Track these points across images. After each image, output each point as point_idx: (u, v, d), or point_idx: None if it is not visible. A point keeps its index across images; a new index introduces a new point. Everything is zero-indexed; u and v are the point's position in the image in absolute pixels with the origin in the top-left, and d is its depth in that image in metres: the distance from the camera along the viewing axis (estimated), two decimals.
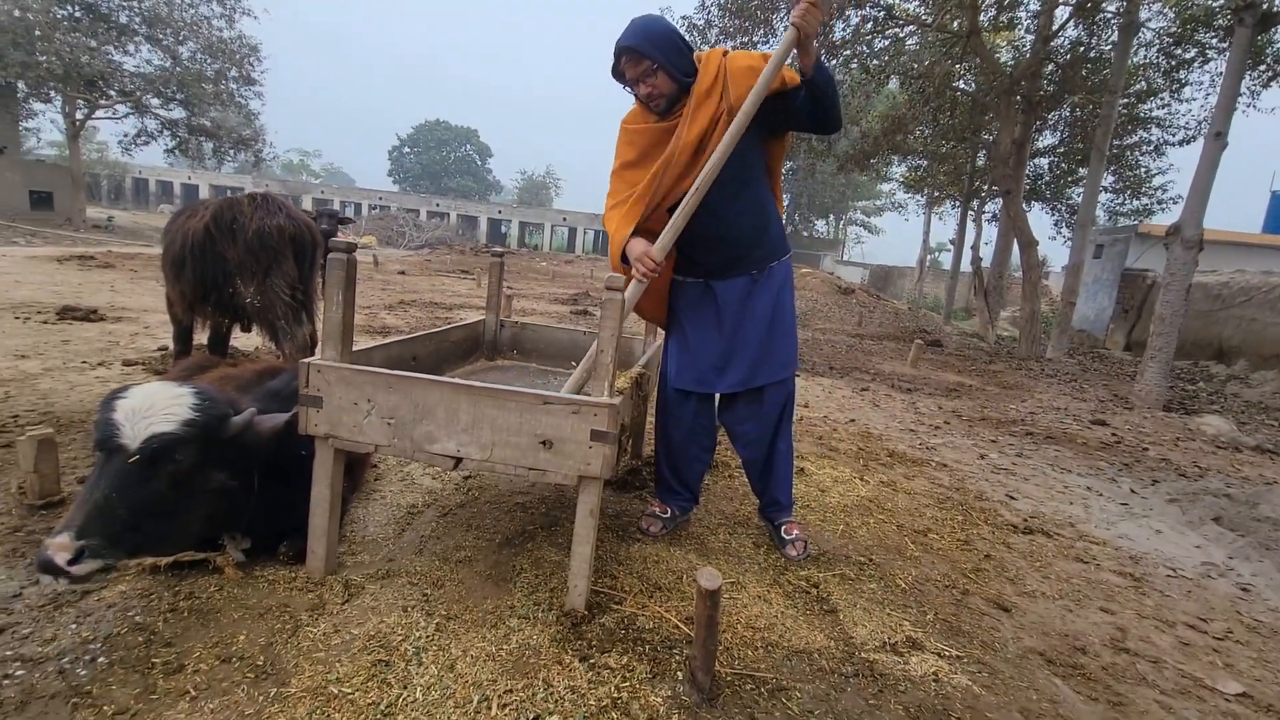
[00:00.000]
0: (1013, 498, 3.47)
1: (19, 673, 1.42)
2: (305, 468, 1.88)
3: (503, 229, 49.77)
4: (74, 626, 1.59)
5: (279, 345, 3.33)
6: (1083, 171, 14.64)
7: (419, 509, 2.48)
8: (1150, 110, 13.85)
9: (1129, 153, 15.30)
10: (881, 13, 11.73)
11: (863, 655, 1.80)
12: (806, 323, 12.50)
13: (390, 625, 1.70)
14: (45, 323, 5.22)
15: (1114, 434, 5.31)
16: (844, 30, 11.76)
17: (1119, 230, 16.50)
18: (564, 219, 49.65)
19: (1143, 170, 15.90)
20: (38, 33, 17.79)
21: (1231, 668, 2.04)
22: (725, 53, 2.08)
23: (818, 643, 1.84)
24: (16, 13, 17.62)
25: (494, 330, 3.18)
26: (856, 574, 2.28)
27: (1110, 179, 15.68)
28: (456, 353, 2.90)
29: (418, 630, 1.69)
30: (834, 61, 12.09)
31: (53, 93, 19.80)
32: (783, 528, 2.42)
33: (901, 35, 12.37)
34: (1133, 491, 3.85)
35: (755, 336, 2.25)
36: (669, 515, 2.44)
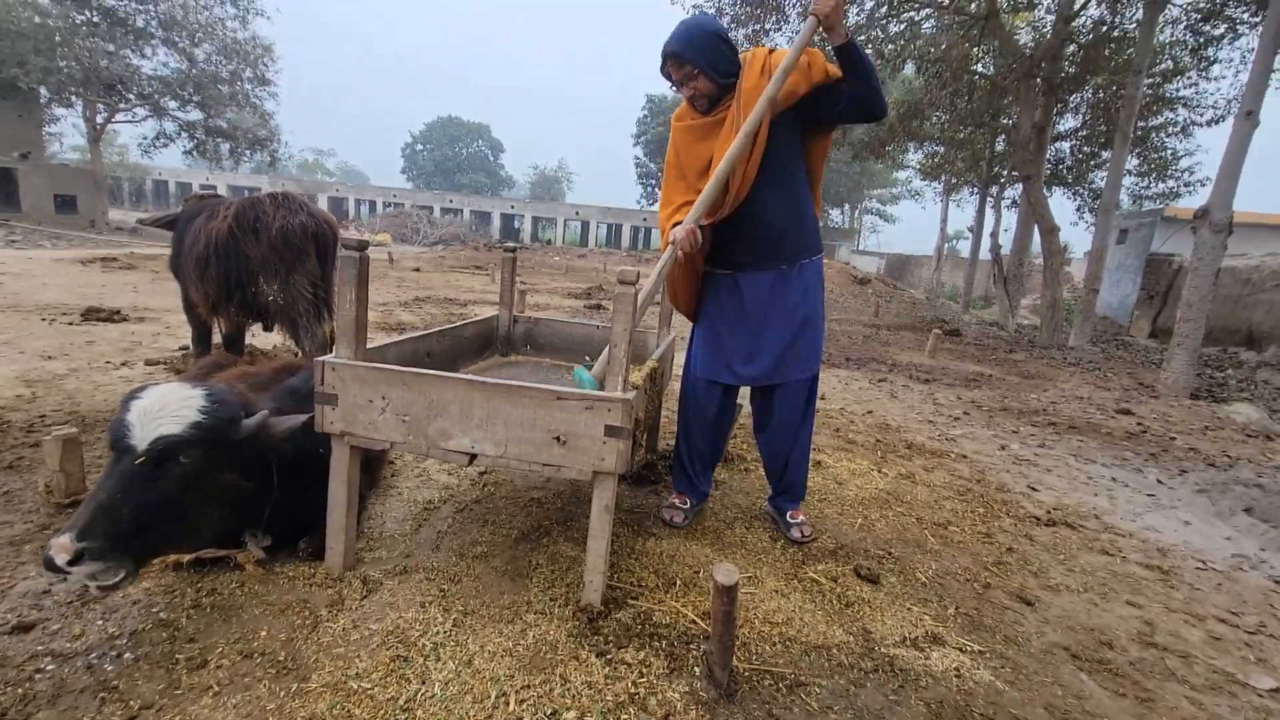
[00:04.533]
0: (1035, 489, 3.42)
1: (49, 667, 1.45)
2: (324, 465, 1.89)
3: (516, 224, 49.88)
4: (101, 622, 1.62)
5: (300, 343, 3.36)
6: (1106, 154, 14.33)
7: (435, 505, 2.49)
8: (1177, 90, 13.46)
9: (1155, 134, 14.89)
10: None
11: (882, 650, 1.78)
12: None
13: (408, 621, 1.71)
14: (70, 324, 5.33)
15: (1140, 423, 5.20)
16: (858, 14, 11.57)
17: (1144, 214, 16.14)
18: (576, 213, 49.61)
19: (1169, 152, 15.50)
20: (58, 38, 18.12)
21: (1264, 662, 1.99)
22: (770, 51, 2.12)
23: (836, 638, 1.82)
24: (37, 19, 17.95)
25: (507, 326, 3.18)
26: (875, 568, 2.25)
27: (1135, 161, 15.30)
28: (470, 349, 2.90)
29: (435, 626, 1.69)
30: None
31: (74, 97, 20.18)
32: (788, 513, 2.46)
33: (918, 18, 12.14)
34: (1160, 482, 3.76)
35: (782, 331, 2.26)
36: (689, 505, 2.48)
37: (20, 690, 1.37)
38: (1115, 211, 11.11)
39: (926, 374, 6.78)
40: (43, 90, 19.48)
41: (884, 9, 11.66)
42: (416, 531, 2.26)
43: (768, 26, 11.94)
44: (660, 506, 2.52)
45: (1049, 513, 3.05)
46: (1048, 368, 8.10)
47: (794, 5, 11.49)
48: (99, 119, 21.16)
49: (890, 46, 12.10)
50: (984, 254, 19.15)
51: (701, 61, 2.07)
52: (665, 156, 2.35)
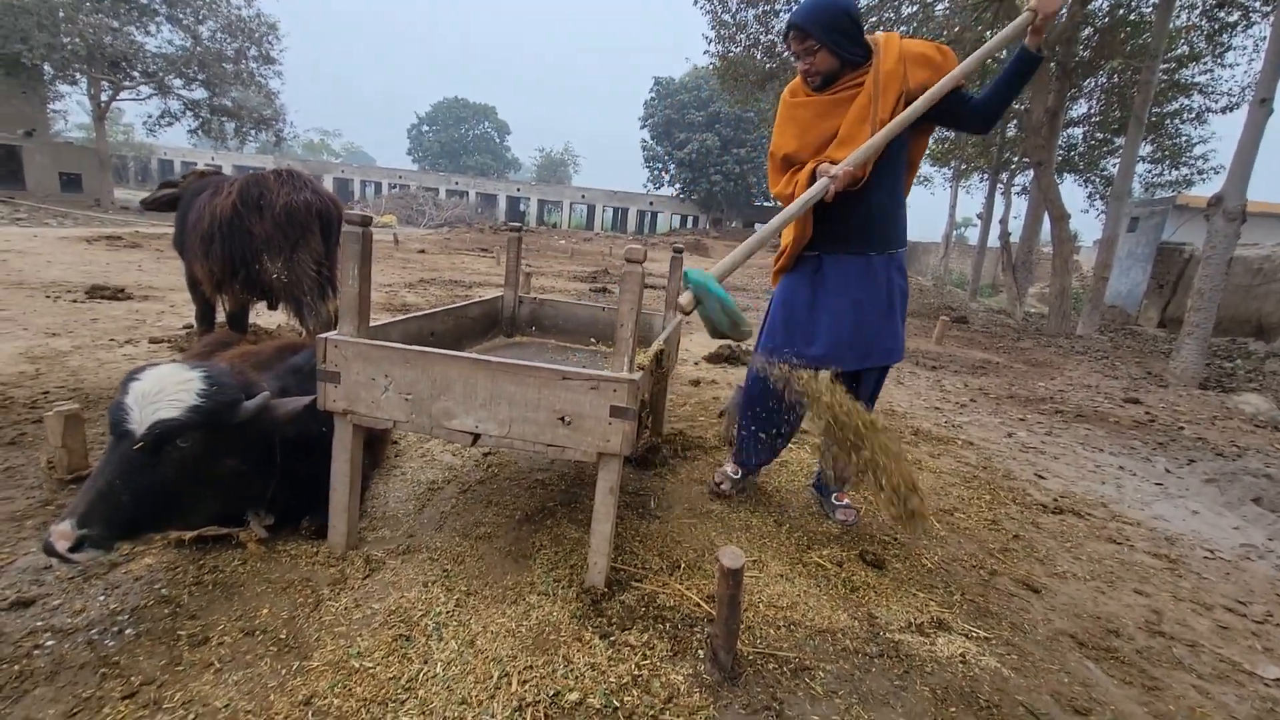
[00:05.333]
0: (1042, 477, 3.39)
1: (49, 643, 1.44)
2: (327, 444, 1.87)
3: (521, 207, 49.61)
4: (102, 598, 1.61)
5: (303, 322, 3.34)
6: (1119, 141, 14.12)
7: (439, 485, 2.48)
8: (1192, 76, 13.21)
9: (1169, 120, 14.66)
10: None
11: (888, 635, 1.76)
12: None
13: (411, 600, 1.70)
14: (75, 302, 5.32)
15: (1148, 412, 5.16)
16: None
17: (1155, 202, 15.93)
18: (582, 196, 49.32)
19: (1183, 139, 15.26)
20: (61, 14, 17.96)
21: (1271, 652, 1.97)
22: (901, 38, 2.13)
23: (841, 622, 1.80)
24: None
25: (513, 306, 3.15)
26: (881, 553, 2.23)
27: (1148, 148, 15.08)
28: (475, 329, 2.88)
29: (438, 605, 1.69)
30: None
31: (78, 74, 20.03)
32: (834, 494, 2.47)
33: (930, 1, 11.91)
34: (1168, 471, 3.73)
35: (866, 317, 2.23)
36: (739, 476, 2.55)
37: (18, 667, 1.36)
38: (1127, 199, 10.94)
39: (934, 361, 6.73)
40: (46, 67, 19.32)
41: None
42: (420, 511, 2.25)
43: (777, 7, 11.73)
44: (715, 472, 2.63)
45: (1056, 500, 3.03)
46: (1055, 356, 8.04)
47: None
48: (103, 96, 21.02)
49: (902, 28, 11.88)
50: (993, 241, 18.97)
51: (825, 37, 2.04)
52: (772, 136, 2.32)
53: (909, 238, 2.42)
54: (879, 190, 2.16)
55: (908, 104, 2.04)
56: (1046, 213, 11.52)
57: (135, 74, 20.46)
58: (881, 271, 2.24)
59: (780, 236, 2.28)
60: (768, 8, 11.69)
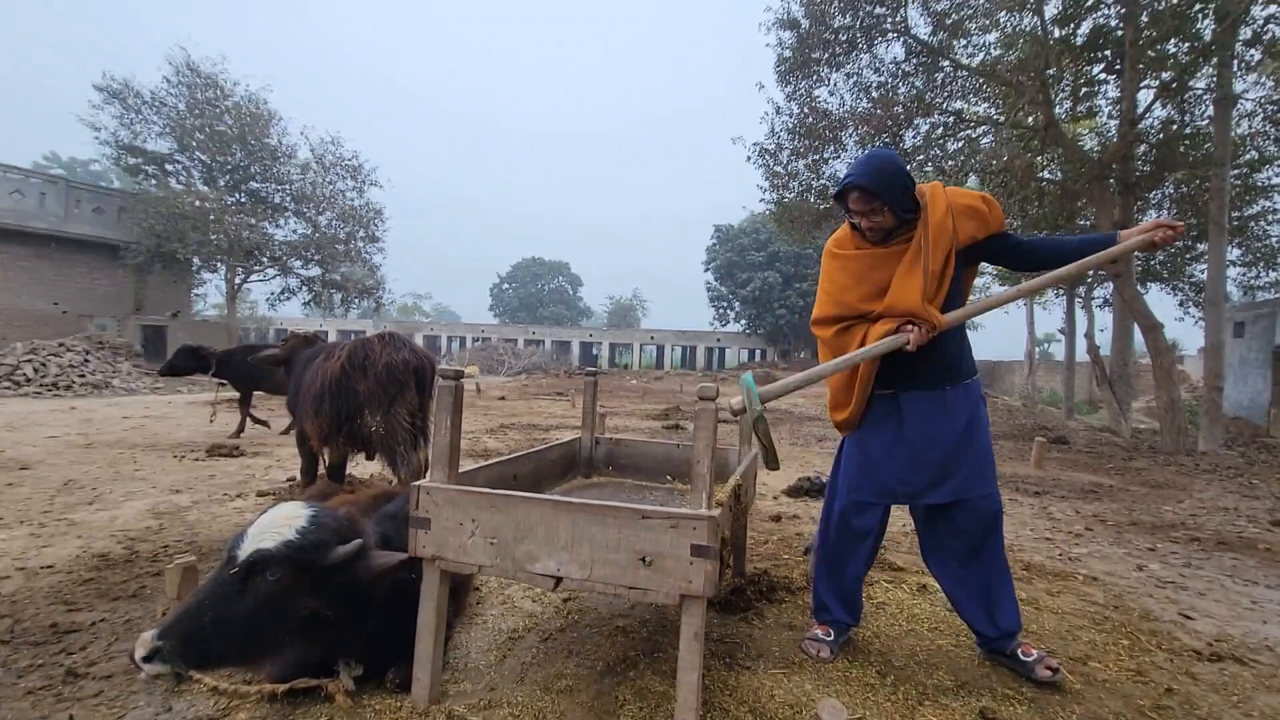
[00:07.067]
0: (1189, 616, 2.96)
1: None
2: (413, 594, 1.91)
3: (594, 351, 51.90)
4: None
5: (395, 471, 3.55)
6: (1201, 247, 13.62)
7: (519, 634, 2.43)
8: (1269, 179, 12.88)
9: (1253, 223, 14.12)
10: (951, 118, 11.97)
11: None
12: None
13: None
14: (197, 460, 5.85)
15: None
16: (914, 138, 12.04)
17: (1261, 305, 14.92)
18: (651, 337, 51.23)
19: (1273, 240, 14.55)
20: (212, 217, 21.52)
21: None
22: (945, 188, 2.27)
23: None
24: (198, 203, 21.51)
25: (589, 448, 3.24)
26: (1007, 712, 1.97)
27: (1236, 252, 14.42)
28: (554, 471, 2.96)
29: None
30: (909, 166, 12.29)
31: (219, 263, 23.51)
32: (1019, 649, 2.23)
33: (974, 135, 12.48)
34: None
35: (946, 448, 2.22)
36: (832, 637, 2.34)
37: None
38: (1224, 304, 10.33)
39: (1035, 485, 6.23)
40: (195, 259, 22.87)
41: (940, 130, 12.12)
42: (501, 662, 2.20)
43: (826, 155, 12.61)
44: (803, 638, 2.38)
45: (1210, 645, 2.62)
46: (1177, 475, 7.27)
47: (851, 135, 12.13)
48: (237, 280, 24.46)
49: (950, 163, 12.39)
50: (1081, 355, 18.04)
51: (890, 199, 2.15)
52: (819, 283, 2.43)
53: (990, 357, 2.44)
54: (941, 338, 2.20)
55: (957, 255, 2.20)
56: (1136, 324, 10.99)
57: (264, 260, 23.81)
58: (962, 400, 2.24)
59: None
60: (817, 158, 12.57)
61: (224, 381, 7.70)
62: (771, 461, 2.04)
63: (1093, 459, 8.60)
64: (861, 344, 2.21)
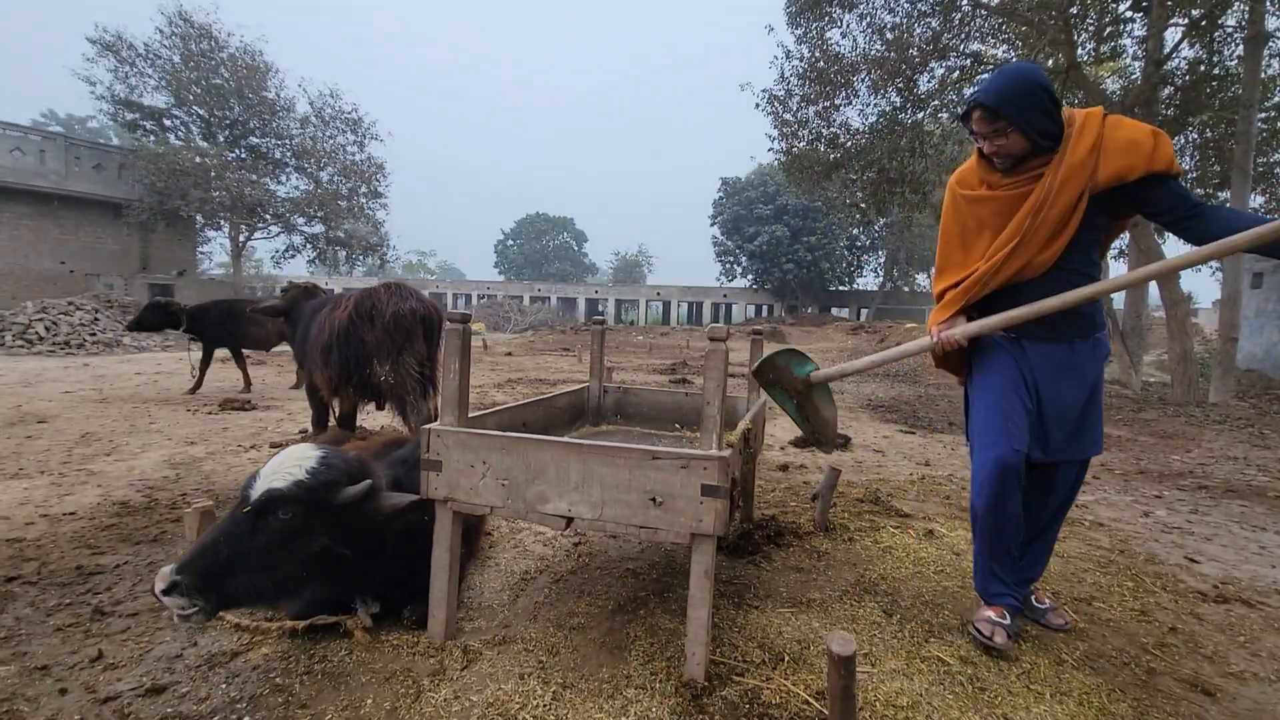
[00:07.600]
0: (1194, 560, 2.98)
1: None
2: (427, 535, 1.94)
3: (600, 308, 51.73)
4: (224, 686, 1.69)
5: (406, 420, 3.57)
6: (1223, 195, 13.25)
7: (532, 575, 2.48)
8: None
9: (1278, 169, 13.68)
10: (968, 61, 11.53)
11: None
12: (919, 378, 11.81)
13: (508, 693, 1.67)
14: (210, 414, 5.92)
15: None
16: (929, 82, 11.63)
17: None
18: (658, 294, 50.94)
19: None
20: (213, 174, 21.27)
21: None
22: (1105, 117, 1.88)
23: None
24: (198, 159, 21.23)
25: (598, 396, 3.24)
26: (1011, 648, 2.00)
27: (1260, 199, 14.03)
28: (563, 419, 2.97)
29: (535, 699, 1.65)
30: (921, 113, 11.90)
31: (222, 221, 23.36)
32: (1033, 596, 2.23)
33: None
34: None
35: (1070, 405, 2.03)
36: (1007, 620, 2.02)
37: None
38: (1244, 256, 10.11)
39: None
40: (198, 217, 22.71)
41: (956, 74, 11.68)
42: (514, 602, 2.25)
43: (838, 102, 12.22)
44: (972, 622, 2.06)
45: (1217, 587, 2.64)
46: (1187, 426, 7.25)
47: (864, 80, 11.72)
48: (241, 238, 24.34)
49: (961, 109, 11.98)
50: None
51: (1018, 117, 1.84)
52: (941, 222, 2.17)
53: None
54: (1078, 276, 1.95)
55: (1094, 199, 1.87)
56: None
57: (268, 217, 23.63)
58: (1089, 355, 2.05)
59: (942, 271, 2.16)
60: (828, 104, 12.18)
61: (195, 337, 7.42)
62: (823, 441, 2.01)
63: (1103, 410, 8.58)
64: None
